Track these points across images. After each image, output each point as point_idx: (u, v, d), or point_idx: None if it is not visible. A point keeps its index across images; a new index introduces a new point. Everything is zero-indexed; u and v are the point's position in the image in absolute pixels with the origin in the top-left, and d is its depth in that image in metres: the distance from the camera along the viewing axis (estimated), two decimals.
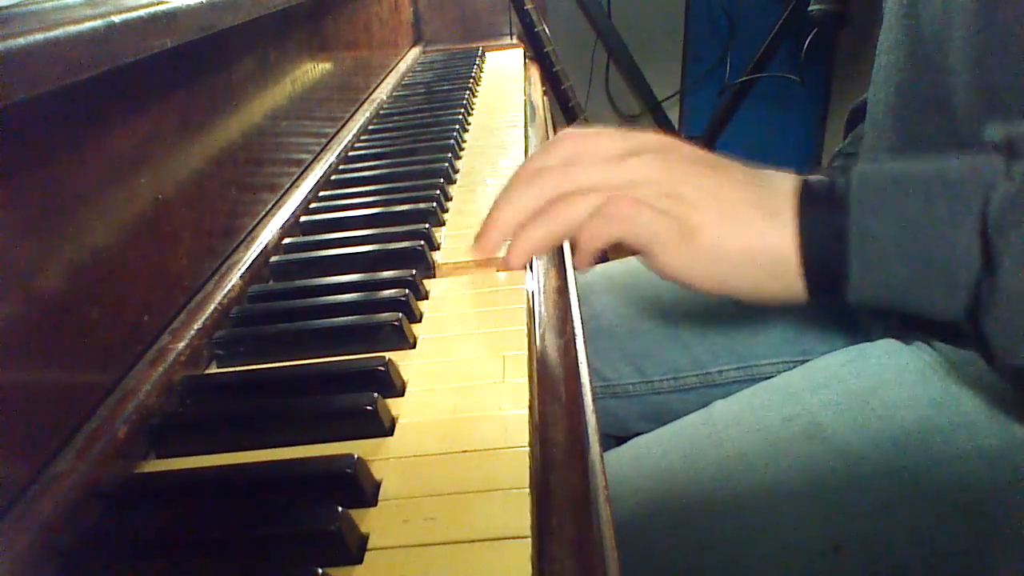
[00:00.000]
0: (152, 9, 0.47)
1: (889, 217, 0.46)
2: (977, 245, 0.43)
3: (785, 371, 0.72)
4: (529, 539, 0.33)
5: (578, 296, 0.57)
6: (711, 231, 0.48)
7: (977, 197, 0.44)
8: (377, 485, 0.38)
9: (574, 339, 0.51)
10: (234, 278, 0.57)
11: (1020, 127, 0.45)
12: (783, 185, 0.49)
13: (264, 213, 0.69)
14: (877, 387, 0.62)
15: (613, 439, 0.83)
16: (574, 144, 0.53)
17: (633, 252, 0.51)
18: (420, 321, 0.54)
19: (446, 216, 0.72)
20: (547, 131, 1.08)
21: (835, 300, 0.48)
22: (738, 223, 0.48)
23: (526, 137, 0.97)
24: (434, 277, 0.61)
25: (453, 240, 0.66)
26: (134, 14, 0.45)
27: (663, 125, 2.36)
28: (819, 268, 0.47)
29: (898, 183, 0.46)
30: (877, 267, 0.46)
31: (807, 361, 0.72)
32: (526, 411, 0.42)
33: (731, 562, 0.60)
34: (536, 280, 0.58)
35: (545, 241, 0.51)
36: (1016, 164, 0.44)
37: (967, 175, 0.45)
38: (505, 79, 1.33)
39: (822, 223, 0.47)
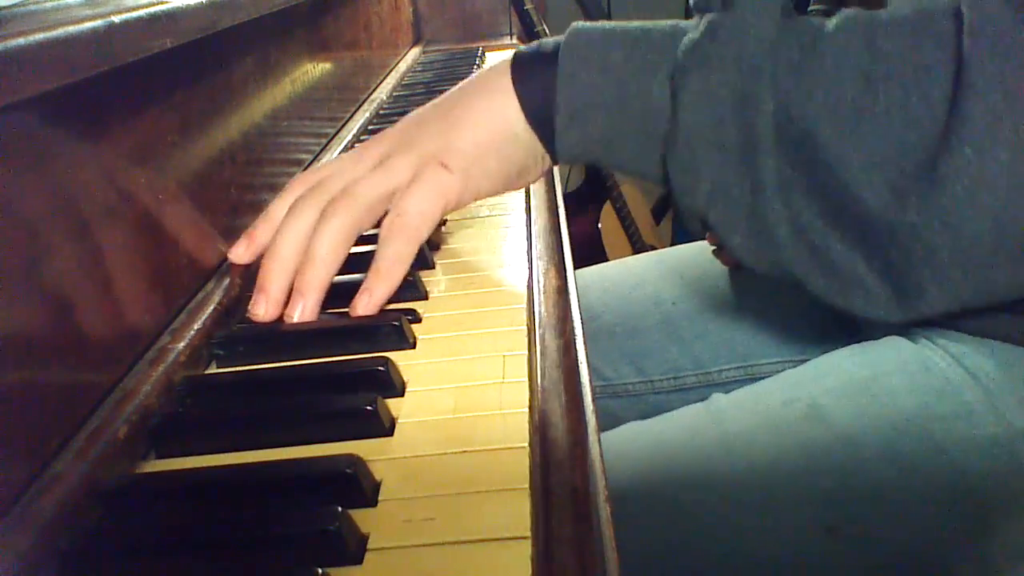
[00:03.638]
0: (152, 9, 0.47)
1: (591, 68, 0.47)
2: (667, 93, 0.45)
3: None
4: (529, 539, 0.33)
5: (578, 296, 0.57)
6: (460, 141, 0.50)
7: (672, 48, 0.46)
8: (377, 485, 0.38)
9: (574, 339, 0.51)
10: (234, 278, 0.57)
11: None
12: (500, 64, 0.51)
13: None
14: (879, 375, 0.63)
15: None
16: (314, 175, 0.55)
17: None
18: (420, 321, 0.54)
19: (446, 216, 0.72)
20: None
21: (553, 157, 0.51)
22: (474, 119, 0.50)
23: None
24: (434, 276, 0.61)
25: (453, 239, 0.67)
26: (134, 14, 0.45)
27: None
28: (541, 124, 0.49)
29: (605, 36, 0.48)
30: (580, 118, 0.47)
31: (807, 361, 0.72)
32: (526, 411, 0.42)
33: (726, 538, 0.61)
34: (536, 280, 0.58)
35: (336, 252, 0.52)
36: (704, 16, 0.46)
37: (668, 29, 0.47)
38: None
39: (535, 80, 0.49)
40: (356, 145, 0.58)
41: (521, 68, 0.50)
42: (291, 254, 0.52)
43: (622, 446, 0.67)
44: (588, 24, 0.50)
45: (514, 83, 0.49)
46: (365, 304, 0.51)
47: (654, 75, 0.46)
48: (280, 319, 0.53)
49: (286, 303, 0.52)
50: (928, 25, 0.42)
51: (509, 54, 0.52)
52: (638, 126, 0.47)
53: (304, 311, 0.51)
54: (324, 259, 0.51)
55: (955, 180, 0.40)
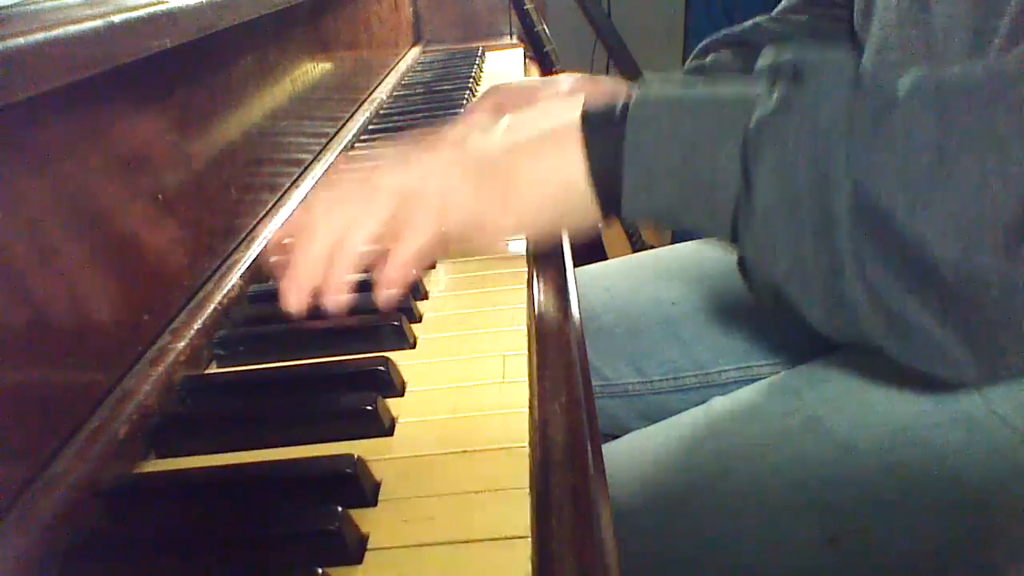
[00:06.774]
0: (152, 9, 0.47)
1: (660, 136, 0.47)
2: (737, 166, 0.45)
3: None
4: (529, 539, 0.33)
5: (578, 296, 0.57)
6: (520, 194, 0.51)
7: (740, 119, 0.45)
8: (377, 485, 0.38)
9: (574, 339, 0.51)
10: (234, 278, 0.57)
11: (784, 55, 0.47)
12: (570, 120, 0.51)
13: (264, 213, 0.69)
14: (876, 383, 0.63)
15: (612, 439, 0.83)
16: (362, 172, 0.54)
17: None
18: (420, 321, 0.54)
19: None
20: None
21: (615, 217, 0.51)
22: (541, 174, 0.51)
23: None
24: (434, 276, 0.61)
25: None
26: (134, 14, 0.45)
27: None
28: (604, 187, 0.50)
29: (673, 104, 0.48)
30: (647, 184, 0.48)
31: (807, 363, 0.72)
32: (526, 411, 0.42)
33: (727, 550, 0.61)
34: (536, 280, 0.58)
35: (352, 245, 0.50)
36: (775, 87, 0.46)
37: (736, 98, 0.47)
38: (505, 79, 1.33)
39: (602, 143, 0.49)
40: (409, 148, 0.56)
41: (589, 130, 0.50)
42: (323, 252, 0.51)
43: (622, 457, 0.67)
44: (655, 90, 0.50)
45: (583, 143, 0.50)
46: (386, 281, 0.51)
47: (723, 146, 0.46)
48: (280, 316, 0.53)
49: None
50: (1003, 93, 0.41)
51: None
52: (706, 196, 0.47)
53: (333, 303, 0.51)
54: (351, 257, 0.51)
55: None
